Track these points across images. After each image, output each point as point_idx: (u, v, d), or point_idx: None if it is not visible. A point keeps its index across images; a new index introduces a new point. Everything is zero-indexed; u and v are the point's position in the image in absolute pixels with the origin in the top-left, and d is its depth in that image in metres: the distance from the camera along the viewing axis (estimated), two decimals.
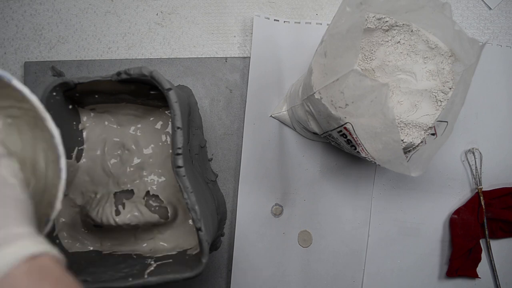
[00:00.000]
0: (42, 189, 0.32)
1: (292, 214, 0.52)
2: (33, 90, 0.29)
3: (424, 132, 0.40)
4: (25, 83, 0.52)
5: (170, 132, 0.48)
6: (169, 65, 0.53)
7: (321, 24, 0.53)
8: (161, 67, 0.53)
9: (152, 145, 0.47)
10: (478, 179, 0.52)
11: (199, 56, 0.53)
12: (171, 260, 0.42)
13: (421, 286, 0.53)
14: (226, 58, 0.53)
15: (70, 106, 0.44)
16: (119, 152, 0.47)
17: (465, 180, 0.53)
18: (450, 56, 0.40)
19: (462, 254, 0.51)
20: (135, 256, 0.44)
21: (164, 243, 0.47)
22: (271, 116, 0.52)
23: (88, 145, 0.47)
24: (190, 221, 0.47)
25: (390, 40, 0.40)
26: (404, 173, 0.35)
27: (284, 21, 0.53)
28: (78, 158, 0.46)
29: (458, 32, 0.37)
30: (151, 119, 0.48)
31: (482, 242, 0.53)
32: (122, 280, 0.36)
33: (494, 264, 0.52)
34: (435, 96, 0.40)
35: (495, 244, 0.52)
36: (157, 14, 0.54)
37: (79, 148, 0.46)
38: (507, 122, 0.53)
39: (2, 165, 0.25)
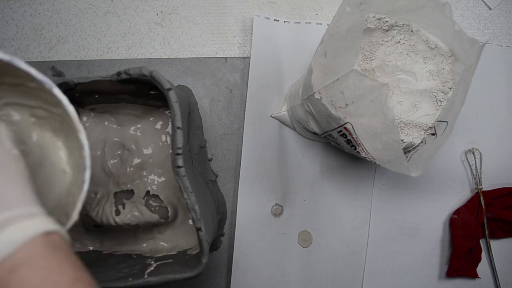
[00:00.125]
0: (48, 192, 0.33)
1: (292, 214, 0.52)
2: None
3: (424, 132, 0.40)
4: None
5: (170, 132, 0.48)
6: (169, 65, 0.53)
7: (321, 24, 0.53)
8: (161, 67, 0.53)
9: (152, 145, 0.47)
10: (478, 179, 0.52)
11: (199, 56, 0.53)
12: (171, 260, 0.42)
13: (421, 286, 0.53)
14: (226, 58, 0.53)
15: None
16: (119, 152, 0.47)
17: (465, 180, 0.53)
18: (450, 56, 0.40)
19: (462, 254, 0.51)
20: (135, 256, 0.44)
21: (164, 243, 0.47)
22: (271, 116, 0.52)
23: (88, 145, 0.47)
24: (190, 221, 0.47)
25: (390, 40, 0.40)
26: (404, 173, 0.35)
27: (284, 21, 0.53)
28: None
29: (458, 32, 0.37)
30: (151, 119, 0.48)
31: (482, 242, 0.53)
32: (122, 280, 0.36)
33: (494, 264, 0.52)
34: (435, 96, 0.40)
35: (495, 244, 0.52)
36: (157, 14, 0.54)
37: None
38: (507, 122, 0.53)
39: (2, 133, 0.25)
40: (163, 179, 0.48)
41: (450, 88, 0.40)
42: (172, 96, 0.37)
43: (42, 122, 0.35)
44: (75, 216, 0.29)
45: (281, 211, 0.52)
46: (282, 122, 0.52)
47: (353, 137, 0.37)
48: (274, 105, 0.52)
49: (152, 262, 0.41)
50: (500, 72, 0.54)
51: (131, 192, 0.47)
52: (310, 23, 0.53)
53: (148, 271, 0.38)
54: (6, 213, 0.19)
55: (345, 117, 0.36)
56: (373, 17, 0.39)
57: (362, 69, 0.41)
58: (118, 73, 0.38)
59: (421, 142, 0.40)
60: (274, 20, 0.52)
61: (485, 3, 0.55)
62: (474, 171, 0.53)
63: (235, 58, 0.53)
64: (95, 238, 0.46)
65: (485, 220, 0.51)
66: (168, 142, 0.48)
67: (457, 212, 0.52)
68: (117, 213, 0.45)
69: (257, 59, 0.52)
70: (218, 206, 0.49)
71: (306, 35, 0.52)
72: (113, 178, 0.47)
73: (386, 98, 0.31)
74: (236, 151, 0.53)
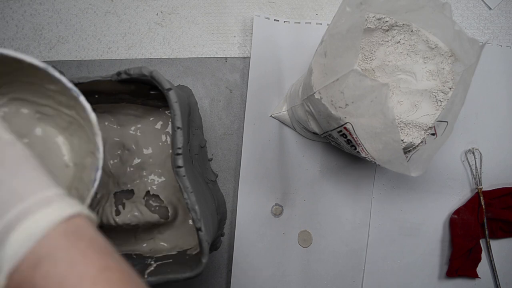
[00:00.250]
0: None
1: (292, 214, 0.52)
2: None
3: (424, 132, 0.40)
4: None
5: (170, 132, 0.48)
6: (169, 65, 0.53)
7: (321, 24, 0.53)
8: (161, 67, 0.53)
9: (152, 145, 0.47)
10: (478, 179, 0.52)
11: (199, 56, 0.53)
12: (171, 260, 0.42)
13: (421, 286, 0.53)
14: (226, 58, 0.53)
15: None
16: (119, 152, 0.47)
17: (465, 180, 0.53)
18: (450, 56, 0.40)
19: (462, 254, 0.51)
20: (135, 256, 0.44)
21: (164, 243, 0.47)
22: (271, 116, 0.52)
23: None
24: (190, 221, 0.47)
25: (390, 40, 0.40)
26: (404, 173, 0.35)
27: (284, 21, 0.53)
28: None
29: (458, 32, 0.37)
30: (151, 119, 0.48)
31: (482, 242, 0.53)
32: None
33: (494, 264, 0.52)
34: (435, 96, 0.40)
35: (495, 244, 0.52)
36: (157, 14, 0.54)
37: None
38: (507, 122, 0.53)
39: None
40: (163, 179, 0.48)
41: (450, 88, 0.40)
42: (172, 96, 0.37)
43: (46, 119, 0.36)
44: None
45: (281, 211, 0.52)
46: (282, 122, 0.52)
47: (353, 137, 0.37)
48: (274, 105, 0.52)
49: (152, 262, 0.41)
50: (500, 72, 0.54)
51: (131, 192, 0.47)
52: (310, 23, 0.53)
53: (148, 271, 0.38)
54: (19, 206, 0.18)
55: (345, 117, 0.36)
56: (373, 17, 0.39)
57: (362, 69, 0.41)
58: (118, 73, 0.38)
59: (421, 142, 0.40)
60: (274, 20, 0.52)
61: (485, 3, 0.55)
62: (474, 171, 0.53)
63: (235, 58, 0.53)
64: None
65: (485, 220, 0.51)
66: (168, 142, 0.48)
67: (457, 212, 0.52)
68: (117, 213, 0.45)
69: (257, 59, 0.52)
70: (218, 206, 0.49)
71: (306, 35, 0.52)
72: (113, 178, 0.47)
73: (386, 98, 0.31)
74: (236, 151, 0.53)
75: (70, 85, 0.28)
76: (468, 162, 0.53)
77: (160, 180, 0.48)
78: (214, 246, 0.50)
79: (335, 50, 0.36)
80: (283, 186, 0.52)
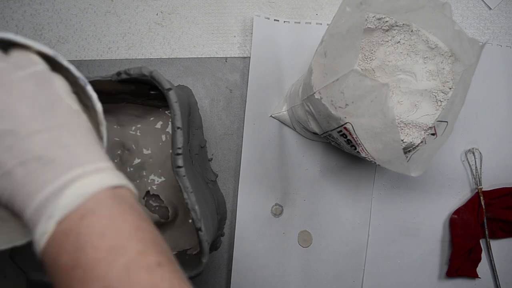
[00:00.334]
0: None
1: (292, 214, 0.52)
2: None
3: (424, 132, 0.40)
4: None
5: (170, 132, 0.48)
6: (169, 65, 0.53)
7: (321, 24, 0.53)
8: (161, 67, 0.53)
9: (152, 145, 0.47)
10: (478, 179, 0.52)
11: (199, 56, 0.53)
12: None
13: (421, 286, 0.53)
14: (226, 58, 0.53)
15: None
16: (119, 152, 0.47)
17: (465, 180, 0.53)
18: (450, 56, 0.40)
19: (462, 254, 0.51)
20: None
21: None
22: (271, 116, 0.52)
23: None
24: (190, 221, 0.47)
25: (390, 40, 0.40)
26: (404, 173, 0.35)
27: (284, 21, 0.53)
28: None
29: (458, 32, 0.37)
30: (151, 119, 0.48)
31: (482, 242, 0.53)
32: None
33: (494, 264, 0.52)
34: (435, 96, 0.40)
35: (495, 244, 0.52)
36: (157, 14, 0.54)
37: None
38: (507, 122, 0.53)
39: (58, 87, 0.25)
40: (163, 179, 0.48)
41: (450, 88, 0.40)
42: (172, 96, 0.37)
43: None
44: None
45: (281, 211, 0.52)
46: (282, 122, 0.52)
47: (353, 137, 0.37)
48: (274, 105, 0.52)
49: None
50: (500, 72, 0.54)
51: None
52: (310, 23, 0.53)
53: None
54: (77, 170, 0.22)
55: (345, 117, 0.36)
56: (373, 17, 0.39)
57: (362, 69, 0.41)
58: (118, 73, 0.38)
59: (421, 142, 0.40)
60: (274, 20, 0.52)
61: (485, 3, 0.55)
62: (474, 171, 0.53)
63: (235, 58, 0.53)
64: None
65: (485, 220, 0.51)
66: (168, 142, 0.48)
67: (457, 212, 0.52)
68: None
69: (257, 59, 0.52)
70: (218, 206, 0.49)
71: (306, 35, 0.52)
72: None
73: (386, 98, 0.31)
74: (236, 151, 0.53)
75: (78, 73, 0.28)
76: (468, 162, 0.53)
77: (160, 180, 0.48)
78: (214, 246, 0.50)
79: (335, 50, 0.36)
80: (283, 186, 0.52)
